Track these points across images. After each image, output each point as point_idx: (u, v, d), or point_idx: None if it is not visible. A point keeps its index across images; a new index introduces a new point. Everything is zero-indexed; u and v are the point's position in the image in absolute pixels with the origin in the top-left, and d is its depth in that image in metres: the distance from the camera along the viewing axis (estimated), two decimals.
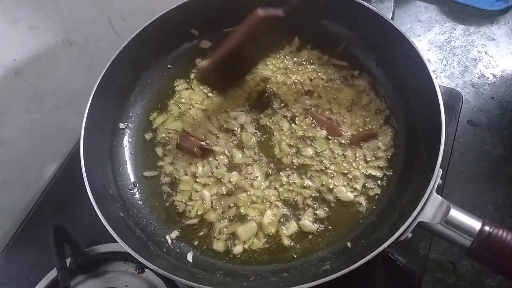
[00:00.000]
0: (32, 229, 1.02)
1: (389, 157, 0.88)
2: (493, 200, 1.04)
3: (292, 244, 0.82)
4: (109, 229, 0.74)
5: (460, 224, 0.66)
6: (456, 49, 1.28)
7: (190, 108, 1.01)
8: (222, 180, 0.90)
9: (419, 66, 0.81)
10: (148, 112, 1.02)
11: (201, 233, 0.86)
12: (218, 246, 0.84)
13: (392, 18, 1.25)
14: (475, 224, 0.65)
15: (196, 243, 0.85)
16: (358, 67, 0.99)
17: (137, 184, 0.94)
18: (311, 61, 1.02)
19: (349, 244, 0.80)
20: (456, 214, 0.66)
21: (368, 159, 0.88)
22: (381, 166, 0.87)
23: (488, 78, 1.21)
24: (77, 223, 0.94)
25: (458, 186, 1.06)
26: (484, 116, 1.16)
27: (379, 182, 0.86)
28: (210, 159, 0.93)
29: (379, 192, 0.85)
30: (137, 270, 0.89)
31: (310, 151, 0.90)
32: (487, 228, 0.64)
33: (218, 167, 0.92)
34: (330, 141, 0.91)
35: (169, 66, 1.06)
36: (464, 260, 0.99)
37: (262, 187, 0.88)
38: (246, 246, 0.83)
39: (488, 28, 1.30)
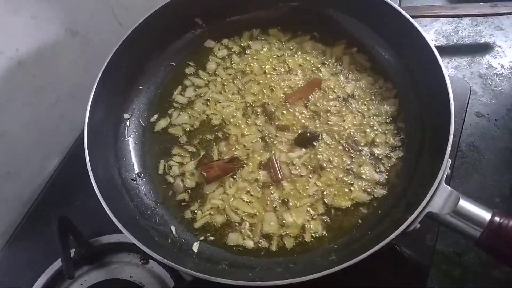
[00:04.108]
0: (36, 220, 1.02)
1: (396, 147, 0.87)
2: (500, 192, 1.02)
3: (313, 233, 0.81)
4: (114, 219, 0.73)
5: (469, 215, 0.65)
6: (464, 39, 1.26)
7: (197, 97, 1.01)
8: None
9: (428, 54, 0.80)
10: (153, 102, 1.01)
11: (214, 228, 0.85)
12: (232, 239, 0.83)
13: None
14: (485, 214, 0.64)
15: (203, 235, 0.85)
16: (366, 57, 0.99)
17: (141, 175, 0.93)
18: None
19: (355, 235, 0.79)
20: (466, 205, 0.65)
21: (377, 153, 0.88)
22: (388, 156, 0.86)
23: (496, 68, 1.19)
24: (81, 213, 0.94)
25: (465, 177, 1.04)
26: (492, 107, 1.14)
27: (385, 173, 0.85)
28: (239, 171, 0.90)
29: (386, 183, 0.84)
30: (142, 261, 0.89)
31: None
32: (497, 218, 0.63)
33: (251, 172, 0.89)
34: None
35: (174, 56, 1.05)
36: (470, 252, 0.97)
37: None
38: (279, 240, 0.82)
39: (496, 17, 1.27)
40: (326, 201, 0.84)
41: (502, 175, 1.04)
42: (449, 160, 0.68)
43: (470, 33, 1.27)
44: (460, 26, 1.29)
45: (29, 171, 1.05)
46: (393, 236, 0.64)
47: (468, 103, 1.02)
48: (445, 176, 0.67)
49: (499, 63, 1.20)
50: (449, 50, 1.24)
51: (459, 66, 1.21)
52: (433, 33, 1.28)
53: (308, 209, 0.83)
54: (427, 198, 0.65)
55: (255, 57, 1.03)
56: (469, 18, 1.29)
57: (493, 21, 1.27)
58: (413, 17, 0.85)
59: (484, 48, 1.23)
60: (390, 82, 0.95)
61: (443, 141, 0.70)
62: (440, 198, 0.66)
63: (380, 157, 0.87)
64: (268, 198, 0.85)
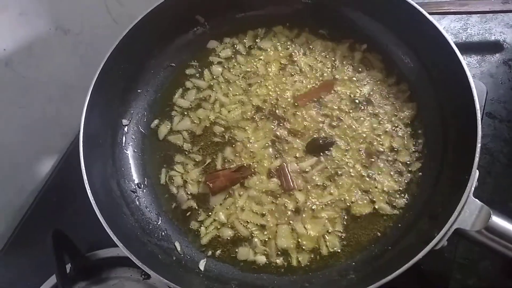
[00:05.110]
0: (28, 232, 0.99)
1: (415, 155, 0.84)
2: None
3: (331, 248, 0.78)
4: (114, 237, 0.69)
5: (503, 232, 0.61)
6: (473, 37, 1.23)
7: (200, 101, 0.96)
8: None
9: (447, 54, 0.78)
10: (152, 106, 0.97)
11: (222, 242, 0.81)
12: (242, 254, 0.79)
13: None
14: None
15: (211, 250, 0.81)
16: (379, 56, 0.95)
17: (142, 186, 0.89)
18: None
19: (374, 250, 0.75)
20: (498, 221, 0.62)
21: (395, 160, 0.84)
22: (407, 164, 0.83)
23: (507, 67, 1.16)
24: (76, 225, 0.90)
25: (477, 182, 1.01)
26: (503, 108, 1.11)
27: (405, 182, 0.81)
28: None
29: (405, 193, 0.80)
30: (143, 276, 0.85)
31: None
32: None
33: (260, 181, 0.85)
34: None
35: (174, 56, 1.00)
36: (484, 260, 0.95)
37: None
38: (294, 256, 0.78)
39: (506, 14, 1.24)
40: (343, 210, 0.80)
41: None
42: (477, 171, 0.64)
43: (479, 30, 1.23)
44: (469, 23, 1.25)
45: (20, 179, 1.02)
46: (420, 256, 0.60)
47: (484, 105, 0.98)
48: (473, 188, 0.63)
49: (510, 62, 1.16)
50: (458, 48, 1.20)
51: (469, 65, 1.17)
52: None
53: (325, 221, 0.80)
54: (456, 213, 0.61)
55: (261, 56, 0.99)
56: (478, 15, 1.26)
57: (502, 18, 1.24)
58: None
59: (494, 46, 1.20)
60: (406, 83, 0.91)
61: (468, 150, 0.67)
62: (470, 213, 0.63)
63: (398, 164, 0.84)
64: (281, 210, 0.81)
